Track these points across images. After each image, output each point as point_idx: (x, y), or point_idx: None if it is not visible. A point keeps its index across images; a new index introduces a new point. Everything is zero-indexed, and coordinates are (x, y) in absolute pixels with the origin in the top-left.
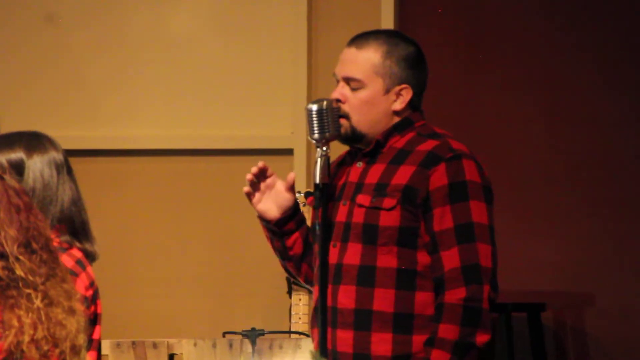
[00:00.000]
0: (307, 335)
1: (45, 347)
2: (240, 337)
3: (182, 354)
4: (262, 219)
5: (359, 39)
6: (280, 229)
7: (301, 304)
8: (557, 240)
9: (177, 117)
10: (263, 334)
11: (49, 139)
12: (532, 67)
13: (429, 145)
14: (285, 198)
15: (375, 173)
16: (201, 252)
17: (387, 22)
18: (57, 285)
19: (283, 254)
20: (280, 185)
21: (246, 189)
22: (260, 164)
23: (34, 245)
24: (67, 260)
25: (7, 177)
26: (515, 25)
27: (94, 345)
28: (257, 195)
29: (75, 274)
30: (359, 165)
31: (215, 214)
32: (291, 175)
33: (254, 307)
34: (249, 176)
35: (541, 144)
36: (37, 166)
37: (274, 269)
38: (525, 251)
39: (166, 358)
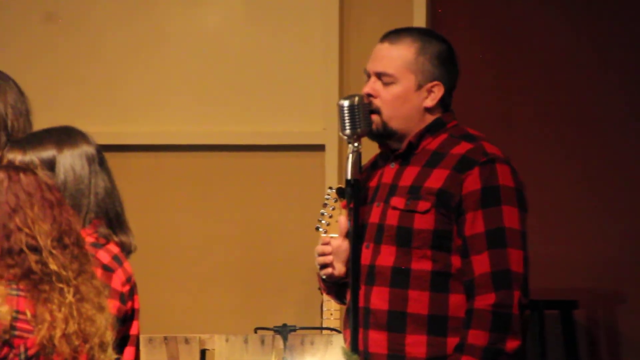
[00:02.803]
0: (339, 332)
1: (76, 342)
2: (272, 332)
3: (213, 349)
4: (330, 279)
5: (393, 35)
6: (343, 280)
7: (332, 301)
8: (589, 238)
9: (209, 113)
10: (295, 330)
11: (80, 132)
12: (560, 69)
13: (462, 148)
14: (346, 250)
15: (409, 175)
16: (233, 248)
17: (419, 17)
18: (87, 281)
19: (339, 297)
20: (335, 241)
21: (328, 271)
22: (323, 247)
23: (66, 240)
24: (103, 256)
25: (40, 172)
26: (544, 27)
27: (132, 340)
28: (336, 265)
29: (111, 270)
30: (392, 166)
31: (248, 209)
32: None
33: (286, 303)
34: (327, 259)
35: (573, 143)
36: (68, 160)
37: (306, 265)
38: (557, 249)
39: (198, 353)
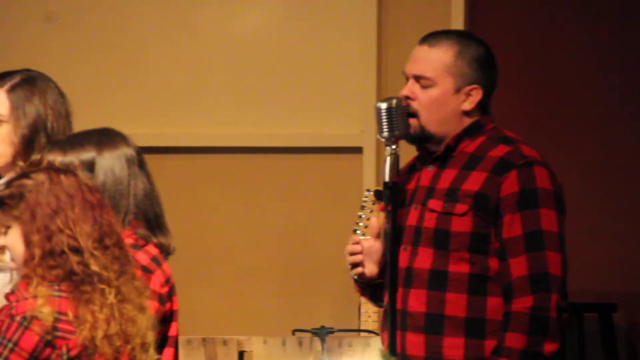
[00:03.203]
0: (377, 334)
1: (118, 343)
2: (309, 335)
3: (251, 351)
4: (362, 279)
5: (431, 38)
6: (375, 281)
7: (370, 303)
8: (628, 239)
9: (247, 115)
10: (332, 332)
11: (120, 134)
12: (602, 70)
13: (500, 151)
14: (378, 250)
15: (446, 178)
16: (271, 250)
17: (457, 20)
18: (128, 282)
19: (374, 298)
20: (367, 242)
21: (358, 270)
22: (353, 247)
23: (107, 242)
24: (142, 257)
25: (80, 174)
26: (584, 27)
27: (171, 341)
28: (367, 265)
29: (150, 272)
30: (430, 168)
31: (285, 211)
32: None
33: (324, 305)
34: (357, 258)
35: (614, 142)
36: (107, 162)
37: (344, 267)
38: (597, 251)
39: (236, 355)
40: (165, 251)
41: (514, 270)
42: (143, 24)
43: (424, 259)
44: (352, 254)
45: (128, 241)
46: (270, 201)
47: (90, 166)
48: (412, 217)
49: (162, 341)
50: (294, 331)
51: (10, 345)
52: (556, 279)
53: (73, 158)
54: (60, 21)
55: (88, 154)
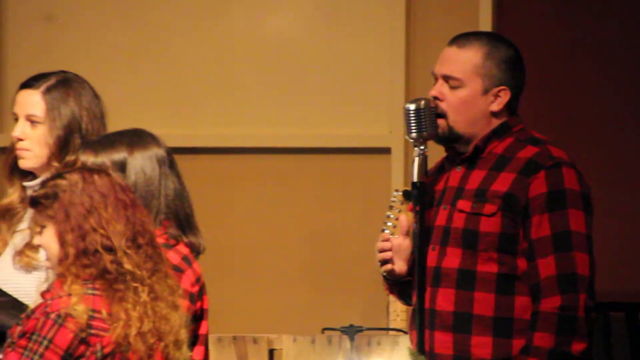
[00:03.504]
0: (405, 332)
1: (151, 341)
2: (338, 333)
3: (281, 349)
4: (391, 276)
5: (461, 39)
6: (404, 279)
7: (398, 301)
8: None
9: (277, 116)
10: (361, 331)
11: (150, 135)
12: (632, 70)
13: (528, 152)
14: (407, 248)
15: (475, 179)
16: (300, 249)
17: (485, 21)
18: (161, 280)
19: (403, 296)
20: (396, 239)
21: (388, 267)
22: (382, 244)
23: (140, 240)
24: (173, 257)
25: (114, 174)
26: (613, 27)
27: (201, 340)
28: (396, 262)
29: (181, 271)
30: (459, 169)
31: (315, 211)
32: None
33: (352, 303)
34: (386, 255)
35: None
36: (139, 162)
37: (372, 266)
38: (623, 250)
39: (266, 353)
40: (196, 250)
41: (543, 270)
42: (175, 25)
43: (453, 259)
44: (382, 250)
45: (159, 241)
46: (299, 201)
47: (121, 167)
48: (440, 218)
49: (193, 339)
50: (324, 329)
51: (45, 342)
52: (584, 279)
53: (105, 159)
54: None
55: (119, 155)
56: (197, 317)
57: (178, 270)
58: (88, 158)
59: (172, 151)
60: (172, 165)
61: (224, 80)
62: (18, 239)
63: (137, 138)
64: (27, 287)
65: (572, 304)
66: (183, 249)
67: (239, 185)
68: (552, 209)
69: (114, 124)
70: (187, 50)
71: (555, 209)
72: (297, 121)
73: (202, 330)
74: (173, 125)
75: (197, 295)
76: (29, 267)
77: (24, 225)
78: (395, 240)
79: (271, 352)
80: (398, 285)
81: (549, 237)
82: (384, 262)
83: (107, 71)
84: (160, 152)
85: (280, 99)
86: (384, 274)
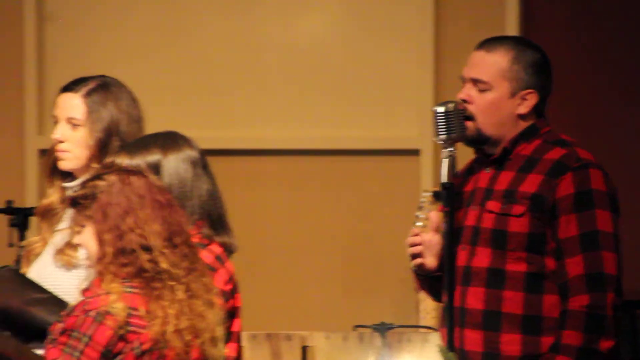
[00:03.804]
0: (435, 330)
1: (188, 338)
2: (370, 330)
3: (314, 346)
4: (421, 271)
5: (488, 43)
6: (434, 274)
7: (429, 300)
8: None
9: (307, 118)
10: (392, 328)
11: (183, 137)
12: None
13: (556, 154)
14: (438, 243)
15: (504, 180)
16: (332, 249)
17: (511, 25)
18: (197, 278)
19: (433, 292)
20: (427, 235)
21: (418, 261)
22: (413, 239)
23: (176, 240)
24: (206, 256)
25: (151, 175)
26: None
27: (234, 337)
28: (427, 257)
29: (214, 269)
30: (488, 171)
31: (346, 212)
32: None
33: (383, 301)
34: (417, 249)
35: None
36: (172, 164)
37: (402, 265)
38: None
39: (299, 350)
40: (229, 250)
41: (571, 269)
42: (208, 29)
43: (482, 258)
44: (412, 245)
45: (193, 240)
46: (331, 202)
47: (156, 168)
48: (470, 218)
49: (226, 337)
50: (355, 327)
51: (85, 339)
52: (611, 278)
53: (139, 161)
54: (125, 26)
55: (154, 157)
56: (230, 315)
57: (211, 269)
58: (123, 160)
59: (205, 153)
60: (205, 167)
61: (255, 84)
62: (58, 238)
63: (170, 140)
64: (67, 285)
65: (600, 302)
66: (216, 248)
67: (271, 186)
68: (580, 210)
69: (148, 127)
70: (219, 54)
71: (583, 210)
72: (327, 123)
73: (235, 328)
74: (206, 127)
75: (230, 294)
76: (69, 266)
77: (63, 224)
78: (426, 236)
79: (304, 349)
80: (428, 280)
81: (576, 237)
82: (415, 256)
83: (143, 75)
84: (194, 154)
85: (310, 101)
86: (415, 268)
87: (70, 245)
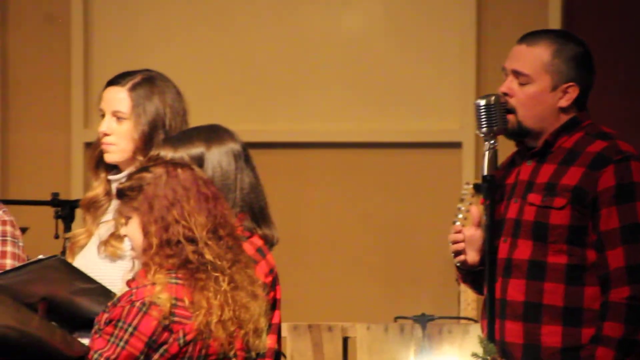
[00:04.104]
0: (476, 321)
1: (232, 328)
2: (411, 321)
3: (355, 337)
4: (464, 266)
5: (530, 37)
6: (477, 268)
7: (470, 291)
8: None
9: (353, 112)
10: (433, 319)
11: (226, 130)
12: None
13: (597, 146)
14: (479, 239)
15: (545, 173)
16: (373, 240)
17: (554, 18)
18: (241, 270)
19: (476, 286)
20: (468, 231)
21: (461, 258)
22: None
23: (221, 232)
24: (248, 248)
25: (196, 168)
26: None
27: (274, 328)
28: (469, 252)
29: (255, 262)
30: (529, 163)
31: (388, 204)
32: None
33: (424, 293)
34: (459, 246)
35: None
36: (215, 157)
37: (443, 257)
38: None
39: (340, 341)
40: (270, 242)
41: (611, 262)
42: (252, 25)
43: (524, 250)
44: (455, 242)
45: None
46: (373, 194)
47: (199, 161)
48: (512, 210)
49: (267, 328)
50: (396, 318)
51: (130, 329)
52: None
53: (183, 154)
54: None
55: (197, 150)
56: (271, 306)
57: (253, 261)
58: (167, 153)
59: (248, 146)
60: (247, 160)
61: (298, 79)
62: (103, 230)
63: (213, 134)
64: (112, 276)
65: None
66: (257, 240)
67: (313, 179)
68: (621, 202)
69: (193, 120)
70: (262, 51)
71: (624, 202)
72: (371, 117)
73: (275, 320)
74: (249, 120)
75: (271, 286)
76: (114, 257)
77: (108, 216)
78: (468, 232)
79: (345, 340)
80: (471, 275)
81: (617, 230)
82: (457, 253)
83: (187, 69)
84: (236, 147)
85: (355, 96)
86: (458, 264)
87: (114, 237)
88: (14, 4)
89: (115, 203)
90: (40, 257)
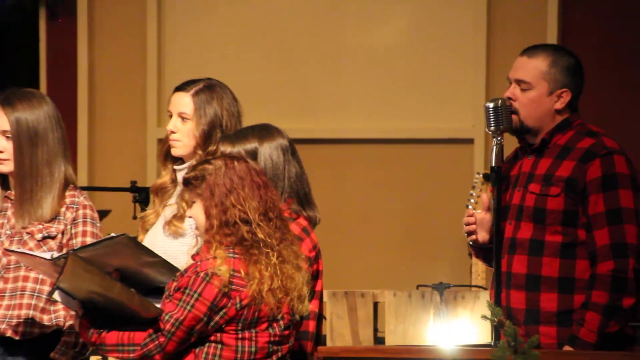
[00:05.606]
0: (485, 289)
1: (279, 295)
2: (430, 289)
3: (384, 302)
4: (476, 245)
5: (530, 50)
6: (487, 246)
7: (480, 263)
8: None
9: (380, 111)
10: (449, 287)
11: (276, 128)
12: None
13: (586, 143)
14: (489, 221)
15: (543, 165)
16: (400, 221)
17: (552, 30)
18: (287, 247)
19: (487, 260)
20: (479, 214)
21: (473, 237)
22: (468, 218)
23: (270, 215)
24: (295, 228)
25: (250, 160)
26: None
27: (317, 295)
28: (480, 233)
29: (301, 239)
30: (530, 158)
31: (411, 190)
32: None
33: (442, 265)
34: (471, 227)
35: None
36: (267, 151)
37: (457, 235)
38: None
39: (371, 305)
40: (313, 222)
41: (598, 240)
42: (300, 37)
43: (525, 231)
44: (467, 224)
45: (284, 215)
46: (399, 182)
47: (253, 155)
48: (516, 198)
49: (311, 295)
50: (418, 286)
51: (196, 295)
52: (633, 247)
53: (240, 148)
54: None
55: (251, 145)
56: (314, 276)
57: (299, 239)
58: (226, 148)
59: (294, 142)
60: (293, 153)
61: (337, 83)
62: (168, 212)
63: (265, 131)
64: (174, 251)
65: (623, 267)
66: (303, 221)
67: (349, 170)
68: (606, 190)
69: (247, 120)
70: (308, 59)
71: (609, 190)
72: (397, 117)
73: (318, 288)
74: (295, 120)
75: (314, 259)
76: (176, 235)
77: (172, 200)
78: (478, 215)
79: (375, 305)
80: (482, 251)
81: (603, 213)
82: (470, 233)
83: (245, 76)
84: (284, 142)
85: (383, 98)
86: (470, 242)
87: (177, 218)
88: (99, 22)
89: (179, 189)
90: (112, 234)
